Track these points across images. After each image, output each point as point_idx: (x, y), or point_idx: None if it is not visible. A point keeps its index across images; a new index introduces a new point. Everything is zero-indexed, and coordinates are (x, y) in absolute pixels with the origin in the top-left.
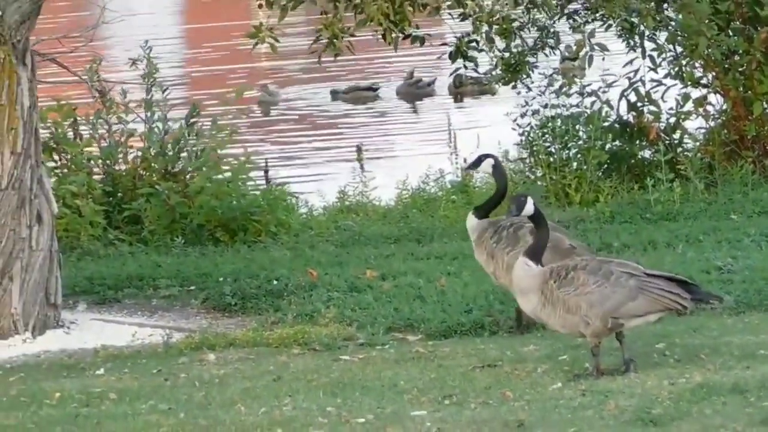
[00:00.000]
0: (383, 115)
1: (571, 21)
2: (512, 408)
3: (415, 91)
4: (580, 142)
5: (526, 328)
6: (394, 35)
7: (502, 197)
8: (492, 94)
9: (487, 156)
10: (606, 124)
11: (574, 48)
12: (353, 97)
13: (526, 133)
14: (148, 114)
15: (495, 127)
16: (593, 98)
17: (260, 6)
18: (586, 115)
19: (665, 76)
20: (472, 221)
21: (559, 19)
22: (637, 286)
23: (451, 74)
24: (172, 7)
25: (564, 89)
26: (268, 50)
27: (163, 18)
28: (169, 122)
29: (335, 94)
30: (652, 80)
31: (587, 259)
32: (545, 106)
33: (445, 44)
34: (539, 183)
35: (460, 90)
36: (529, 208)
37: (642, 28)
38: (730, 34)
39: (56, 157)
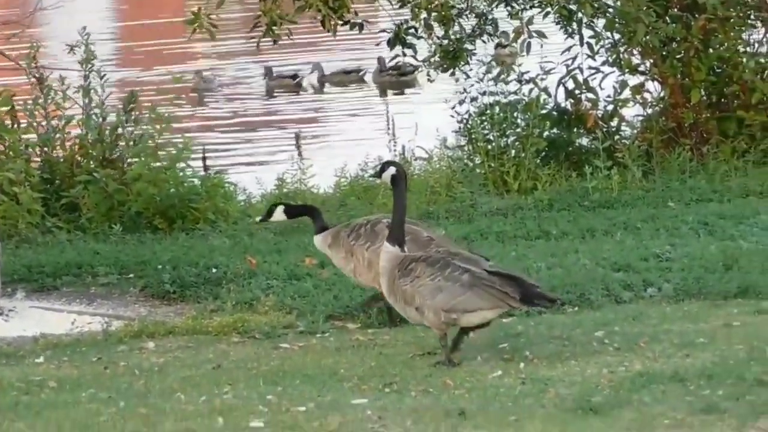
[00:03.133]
0: (321, 102)
1: (509, 8)
2: (453, 396)
3: (343, 79)
4: (519, 130)
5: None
6: (332, 22)
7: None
8: (413, 86)
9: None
10: (544, 111)
11: (512, 35)
12: (278, 84)
13: (464, 121)
14: (86, 101)
15: (433, 114)
16: (531, 86)
17: None
18: (524, 102)
19: (603, 64)
20: (318, 240)
21: (497, 6)
22: (468, 281)
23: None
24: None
25: (502, 77)
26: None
27: (99, 6)
28: (107, 109)
29: (273, 80)
30: (590, 68)
31: (436, 252)
32: (483, 94)
33: (383, 31)
34: (478, 171)
35: (382, 79)
36: (385, 176)
37: (580, 15)
38: (668, 21)
39: None
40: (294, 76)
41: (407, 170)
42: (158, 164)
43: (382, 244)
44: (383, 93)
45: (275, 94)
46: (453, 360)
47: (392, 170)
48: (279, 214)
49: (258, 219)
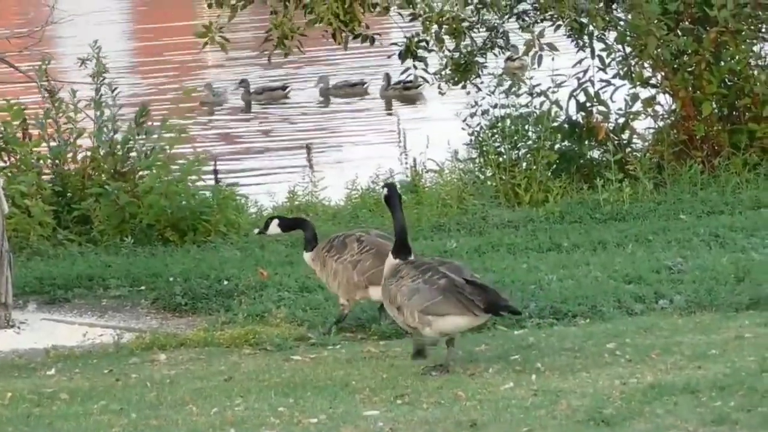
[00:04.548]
0: (331, 115)
1: (520, 21)
2: (464, 408)
3: (347, 91)
4: (530, 143)
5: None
6: (344, 35)
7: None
8: (418, 100)
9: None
10: (555, 124)
11: (524, 48)
12: (266, 97)
13: (475, 133)
14: (98, 113)
15: (445, 126)
16: (542, 98)
17: (210, 6)
18: (535, 115)
19: (614, 76)
20: (307, 257)
21: (508, 19)
22: (443, 286)
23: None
24: (119, 10)
25: (513, 89)
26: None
27: (111, 18)
28: (118, 122)
29: (249, 94)
30: (601, 80)
31: (431, 259)
32: (495, 106)
33: (394, 44)
34: (489, 183)
35: (388, 93)
36: (385, 193)
37: (591, 28)
38: (680, 34)
39: (5, 157)
40: (283, 88)
41: (418, 183)
42: (170, 177)
43: (349, 257)
44: (389, 107)
45: (253, 109)
46: (448, 366)
47: (385, 191)
48: (274, 228)
49: (256, 231)
